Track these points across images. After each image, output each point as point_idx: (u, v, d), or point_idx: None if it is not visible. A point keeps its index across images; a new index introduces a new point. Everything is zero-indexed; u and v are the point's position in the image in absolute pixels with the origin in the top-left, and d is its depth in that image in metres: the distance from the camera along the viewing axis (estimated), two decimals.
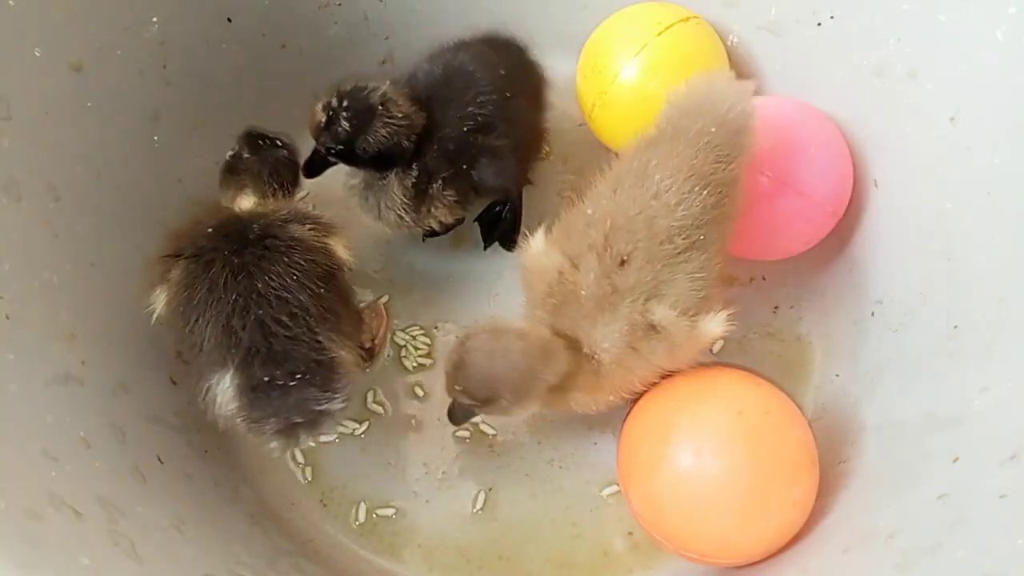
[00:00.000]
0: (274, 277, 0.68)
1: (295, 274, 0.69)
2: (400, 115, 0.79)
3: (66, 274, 0.74)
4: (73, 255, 0.75)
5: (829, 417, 0.84)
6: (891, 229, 0.84)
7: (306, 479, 0.85)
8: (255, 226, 0.72)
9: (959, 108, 0.75)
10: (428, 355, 0.90)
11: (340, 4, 0.98)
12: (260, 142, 0.81)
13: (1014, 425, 0.62)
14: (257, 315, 0.68)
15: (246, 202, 0.78)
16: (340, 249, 0.75)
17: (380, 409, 0.88)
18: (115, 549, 0.61)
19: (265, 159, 0.80)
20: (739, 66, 0.96)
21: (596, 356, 0.71)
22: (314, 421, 0.70)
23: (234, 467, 0.84)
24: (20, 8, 0.71)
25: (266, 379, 0.67)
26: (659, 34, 0.90)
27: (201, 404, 0.70)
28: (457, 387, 0.71)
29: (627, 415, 0.80)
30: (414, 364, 0.90)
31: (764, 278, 0.93)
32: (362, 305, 0.89)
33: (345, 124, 0.78)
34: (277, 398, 0.68)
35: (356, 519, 0.83)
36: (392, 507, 0.84)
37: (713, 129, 0.73)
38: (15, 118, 0.70)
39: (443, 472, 0.85)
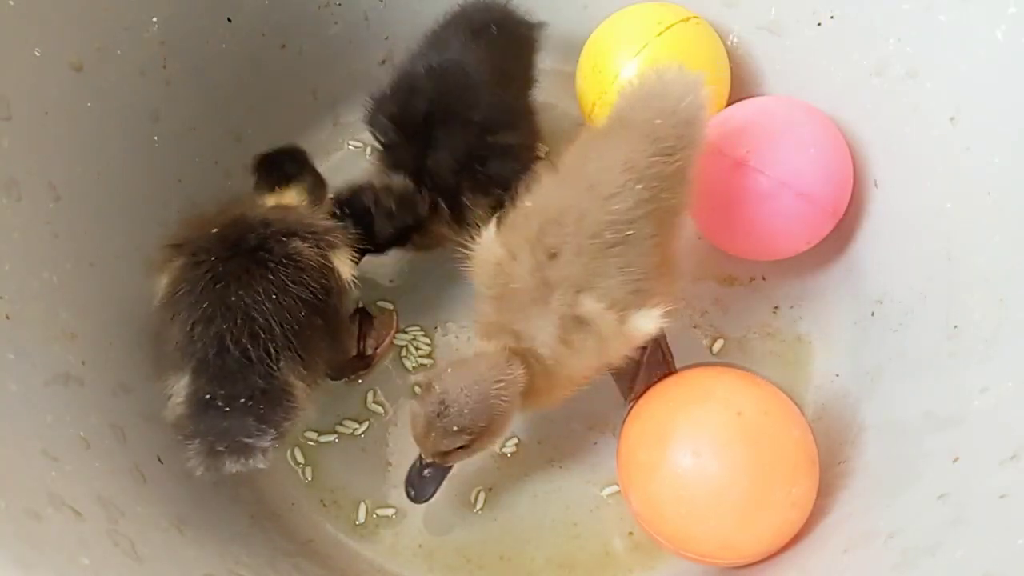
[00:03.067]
0: (249, 293, 0.67)
1: (274, 293, 0.67)
2: (393, 204, 0.81)
3: (66, 274, 0.74)
4: (73, 255, 0.75)
5: (829, 417, 0.84)
6: (891, 229, 0.84)
7: (306, 479, 0.85)
8: (253, 236, 0.70)
9: (959, 108, 0.75)
10: (428, 355, 0.90)
11: (340, 4, 0.98)
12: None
13: (1014, 425, 0.62)
14: (219, 328, 0.66)
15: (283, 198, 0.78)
16: (344, 267, 0.73)
17: (380, 409, 0.88)
18: (115, 549, 0.61)
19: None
20: (739, 66, 0.96)
21: (535, 352, 0.70)
22: (239, 452, 0.66)
23: None
24: (20, 8, 0.71)
25: (207, 397, 0.65)
26: (659, 34, 0.90)
27: (159, 398, 0.69)
28: (454, 428, 0.69)
29: (626, 416, 0.80)
30: (414, 364, 0.90)
31: (764, 278, 0.93)
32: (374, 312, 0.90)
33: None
34: (210, 419, 0.66)
35: (356, 519, 0.83)
36: (392, 507, 0.84)
37: (658, 121, 0.72)
38: (15, 118, 0.70)
39: None
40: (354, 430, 0.87)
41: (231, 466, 0.66)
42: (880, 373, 0.81)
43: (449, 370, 0.70)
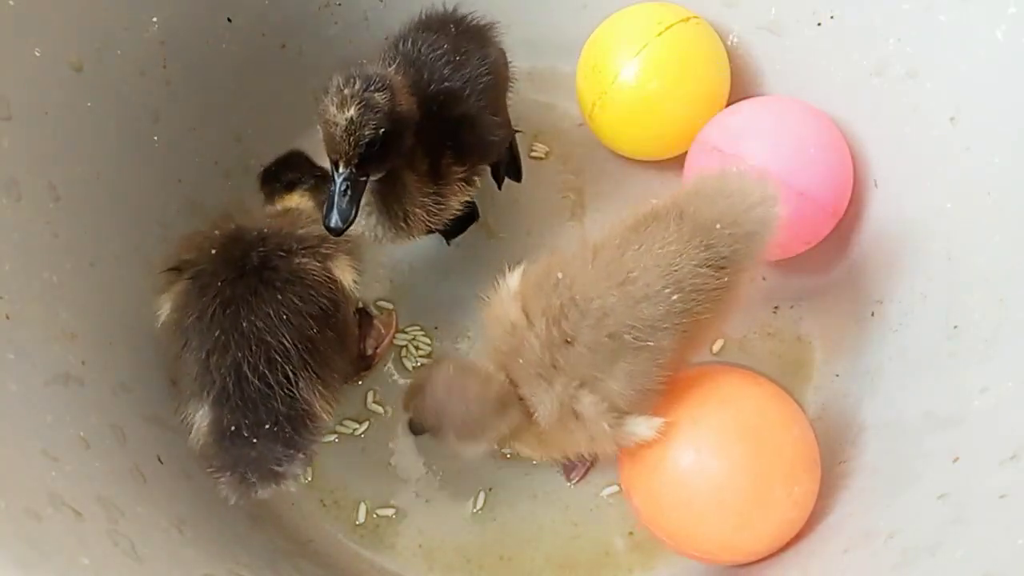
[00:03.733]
0: (261, 317, 0.66)
1: (285, 314, 0.67)
2: (400, 78, 0.74)
3: (66, 274, 0.74)
4: (73, 255, 0.75)
5: (829, 417, 0.84)
6: (891, 229, 0.84)
7: (306, 479, 0.85)
8: (255, 254, 0.69)
9: (959, 108, 0.75)
10: (428, 355, 0.90)
11: (340, 4, 0.98)
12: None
13: (1014, 425, 0.62)
14: (235, 357, 0.66)
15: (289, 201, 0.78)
16: (346, 275, 0.73)
17: (380, 409, 0.88)
18: (115, 549, 0.61)
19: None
20: (739, 66, 0.96)
21: (534, 415, 0.70)
22: (270, 479, 0.66)
23: None
24: (20, 8, 0.71)
25: (232, 428, 0.66)
26: (659, 34, 0.90)
27: (182, 425, 0.70)
28: (417, 419, 0.71)
29: None
30: (415, 364, 0.90)
31: (764, 278, 0.93)
32: (373, 313, 0.90)
33: (377, 96, 0.68)
34: (238, 449, 0.66)
35: (356, 519, 0.83)
36: (392, 507, 0.84)
37: (718, 225, 0.67)
38: (15, 118, 0.70)
39: (443, 472, 0.85)
40: (354, 430, 0.87)
41: (263, 493, 0.66)
42: (880, 373, 0.81)
43: (450, 369, 0.70)
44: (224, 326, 0.67)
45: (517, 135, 0.98)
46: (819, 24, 0.88)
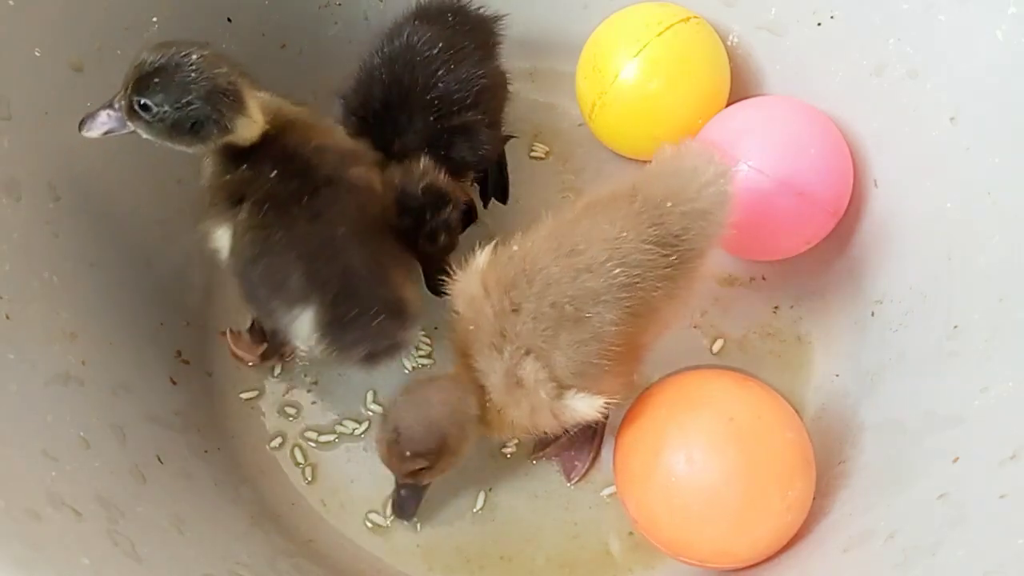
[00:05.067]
0: (347, 223, 0.73)
1: (360, 218, 0.74)
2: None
3: (66, 274, 0.74)
4: (73, 255, 0.75)
5: (829, 417, 0.84)
6: (891, 229, 0.84)
7: (306, 480, 0.85)
8: (320, 170, 0.74)
9: (959, 108, 0.75)
10: (429, 355, 0.90)
11: (340, 4, 0.99)
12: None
13: (1014, 425, 0.62)
14: (343, 260, 0.72)
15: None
16: (377, 183, 0.78)
17: (380, 409, 0.88)
18: (115, 549, 0.61)
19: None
20: (739, 66, 0.96)
21: (487, 389, 0.71)
22: (394, 348, 0.75)
23: (234, 467, 0.84)
24: (20, 8, 0.71)
25: (353, 314, 0.72)
26: (659, 34, 0.90)
27: (275, 338, 0.80)
28: (407, 453, 0.71)
29: (621, 424, 0.79)
30: (415, 364, 0.90)
31: (764, 278, 0.93)
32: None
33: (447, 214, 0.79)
34: (361, 329, 0.73)
35: (356, 519, 0.83)
36: None
37: (669, 203, 0.69)
38: (15, 118, 0.70)
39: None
40: (354, 430, 0.87)
41: (386, 363, 0.76)
42: (880, 373, 0.81)
43: (400, 399, 0.73)
44: (323, 236, 0.72)
45: (516, 138, 0.98)
46: (819, 24, 0.88)
